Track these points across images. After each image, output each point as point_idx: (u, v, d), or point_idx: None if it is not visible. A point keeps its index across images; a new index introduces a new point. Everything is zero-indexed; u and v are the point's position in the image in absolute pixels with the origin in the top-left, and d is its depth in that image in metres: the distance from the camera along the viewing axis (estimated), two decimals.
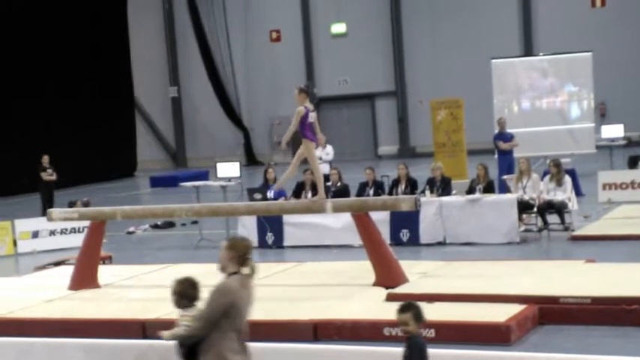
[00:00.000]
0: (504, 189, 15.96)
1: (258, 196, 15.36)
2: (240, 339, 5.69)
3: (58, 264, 14.34)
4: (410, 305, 6.18)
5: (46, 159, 20.33)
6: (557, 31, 31.40)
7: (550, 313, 9.11)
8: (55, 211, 12.68)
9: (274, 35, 36.36)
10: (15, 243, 16.72)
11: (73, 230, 16.60)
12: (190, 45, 37.11)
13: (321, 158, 19.12)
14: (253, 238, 15.35)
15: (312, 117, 10.57)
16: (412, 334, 6.14)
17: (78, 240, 13.65)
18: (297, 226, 15.05)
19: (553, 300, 9.23)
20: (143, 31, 37.40)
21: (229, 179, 16.53)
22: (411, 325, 6.11)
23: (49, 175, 20.21)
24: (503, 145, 19.37)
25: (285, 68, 35.86)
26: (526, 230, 14.57)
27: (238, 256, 5.69)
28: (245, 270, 5.71)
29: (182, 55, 38.03)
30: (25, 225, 17.05)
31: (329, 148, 19.39)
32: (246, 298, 5.69)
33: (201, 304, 5.88)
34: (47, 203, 20.03)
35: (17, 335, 8.92)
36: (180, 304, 6.15)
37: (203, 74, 36.62)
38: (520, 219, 14.31)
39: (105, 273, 12.28)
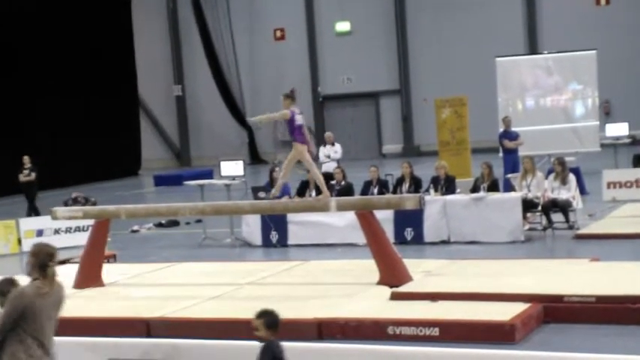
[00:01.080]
0: (509, 188, 15.94)
1: (262, 194, 15.37)
2: (43, 341, 5.85)
3: (62, 262, 14.31)
4: (265, 312, 6.51)
5: (26, 159, 20.21)
6: (561, 30, 31.36)
7: (555, 312, 9.10)
8: (59, 210, 12.70)
9: (278, 34, 36.36)
10: (20, 241, 16.75)
11: (78, 229, 16.61)
12: (194, 43, 37.10)
13: (329, 156, 19.16)
14: (257, 236, 15.39)
15: (300, 119, 10.72)
16: (264, 339, 6.43)
17: (82, 238, 13.67)
18: (302, 225, 15.06)
19: (557, 299, 9.22)
20: (147, 29, 37.42)
21: (233, 178, 16.54)
22: (261, 331, 6.42)
23: (25, 176, 20.10)
24: (508, 144, 19.34)
25: (290, 67, 35.85)
26: (530, 229, 14.55)
27: (39, 262, 5.89)
28: (47, 275, 5.89)
29: (186, 54, 38.04)
30: (29, 223, 17.09)
31: (337, 147, 19.40)
32: (45, 302, 5.85)
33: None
34: (29, 204, 19.94)
35: None
36: (2, 302, 6.33)
37: (207, 73, 36.62)
38: (524, 218, 14.29)
39: (109, 271, 12.29)
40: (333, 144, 19.48)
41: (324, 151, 19.47)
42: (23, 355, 5.74)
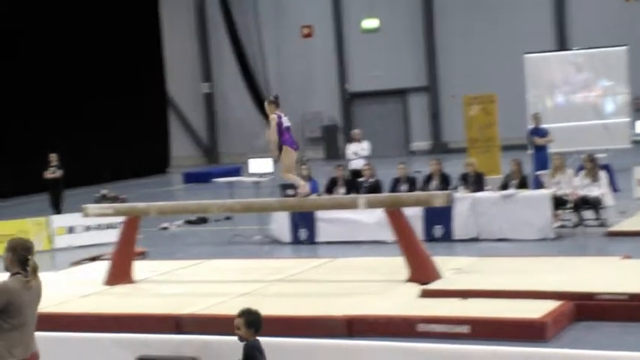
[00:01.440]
0: (538, 185, 15.85)
1: (290, 191, 15.37)
2: (27, 334, 5.93)
3: (93, 259, 14.47)
4: (246, 312, 6.67)
5: (53, 157, 20.30)
6: (591, 26, 31.07)
7: (586, 310, 9.03)
8: (90, 207, 12.79)
9: (306, 31, 36.35)
10: (51, 238, 16.91)
11: (108, 226, 16.72)
12: (222, 41, 37.21)
13: (356, 153, 19.13)
14: (286, 233, 15.41)
15: (287, 121, 11.07)
16: (244, 338, 6.57)
17: (113, 236, 13.77)
18: (330, 222, 15.05)
19: (589, 296, 9.15)
20: (175, 27, 37.58)
21: (262, 175, 16.57)
22: (241, 330, 6.57)
23: (51, 173, 20.19)
24: (538, 141, 19.22)
25: (317, 64, 35.85)
26: (561, 226, 14.45)
27: (18, 257, 5.90)
28: (29, 269, 5.91)
29: (214, 51, 38.16)
30: (61, 220, 17.24)
31: (365, 144, 19.34)
32: (27, 296, 5.90)
33: None
34: (54, 201, 20.00)
35: (53, 330, 9.01)
36: None
37: (235, 70, 36.72)
38: (555, 215, 14.20)
39: (139, 268, 12.36)
40: (360, 141, 19.45)
41: (351, 148, 19.45)
42: (4, 350, 5.78)
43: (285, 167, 11.09)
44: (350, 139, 20.18)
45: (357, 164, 18.35)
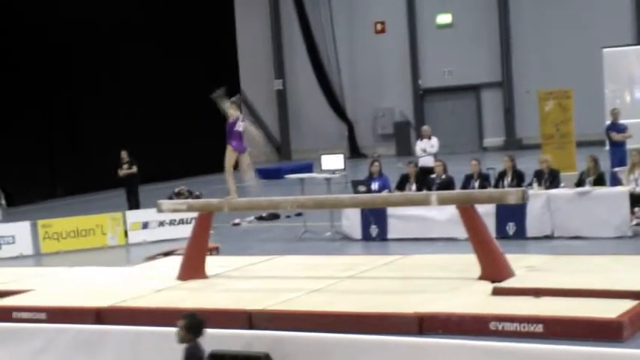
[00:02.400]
0: (616, 182, 15.52)
1: (362, 188, 15.37)
2: None
3: (167, 254, 14.67)
4: (188, 316, 6.95)
5: (124, 154, 20.54)
6: None
7: None
8: (164, 203, 12.97)
9: (379, 27, 36.25)
10: (126, 234, 17.22)
11: (182, 221, 16.95)
12: (295, 38, 37.36)
13: (425, 150, 18.99)
14: (357, 230, 15.39)
15: (241, 126, 11.68)
16: (184, 341, 6.84)
17: (186, 231, 13.94)
18: (402, 219, 14.98)
19: None
20: (249, 24, 37.87)
21: (334, 171, 16.58)
22: (182, 333, 6.85)
23: (126, 169, 20.39)
24: (616, 137, 18.83)
25: (390, 60, 35.72)
26: (638, 224, 14.12)
27: None
28: None
29: (287, 48, 38.33)
30: (135, 216, 17.53)
31: (434, 140, 19.16)
32: None
33: None
34: (130, 197, 20.23)
35: (128, 323, 9.17)
36: None
37: (308, 67, 36.83)
38: (632, 212, 13.89)
39: (212, 264, 12.49)
40: (430, 138, 19.28)
41: (420, 145, 19.29)
42: None
43: (225, 166, 11.75)
44: (419, 136, 20.03)
45: (425, 161, 18.21)
